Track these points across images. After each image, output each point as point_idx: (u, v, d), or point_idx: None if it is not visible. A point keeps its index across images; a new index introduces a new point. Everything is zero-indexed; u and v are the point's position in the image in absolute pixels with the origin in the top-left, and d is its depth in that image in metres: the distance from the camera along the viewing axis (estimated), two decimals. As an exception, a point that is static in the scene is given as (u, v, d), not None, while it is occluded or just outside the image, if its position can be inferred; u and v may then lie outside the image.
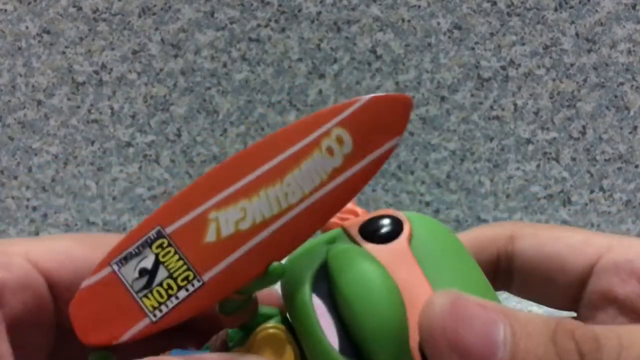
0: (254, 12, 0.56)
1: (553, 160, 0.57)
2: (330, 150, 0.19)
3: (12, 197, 0.59)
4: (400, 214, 0.20)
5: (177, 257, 0.18)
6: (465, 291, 0.18)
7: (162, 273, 0.18)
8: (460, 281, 0.19)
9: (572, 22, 0.56)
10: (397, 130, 0.19)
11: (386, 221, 0.20)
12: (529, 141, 0.57)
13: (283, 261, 0.19)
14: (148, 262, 0.18)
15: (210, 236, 0.18)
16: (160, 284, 0.18)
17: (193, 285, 0.18)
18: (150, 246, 0.18)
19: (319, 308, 0.19)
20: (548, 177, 0.57)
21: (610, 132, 0.56)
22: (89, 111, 0.58)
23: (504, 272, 0.24)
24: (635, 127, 0.56)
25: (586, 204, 0.57)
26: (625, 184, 0.57)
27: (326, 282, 0.19)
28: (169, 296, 0.18)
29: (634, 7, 0.55)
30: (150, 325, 0.18)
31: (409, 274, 0.19)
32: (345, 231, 0.20)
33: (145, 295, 0.18)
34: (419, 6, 0.56)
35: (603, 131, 0.56)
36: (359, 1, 0.56)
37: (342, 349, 0.18)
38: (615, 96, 0.56)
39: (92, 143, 0.58)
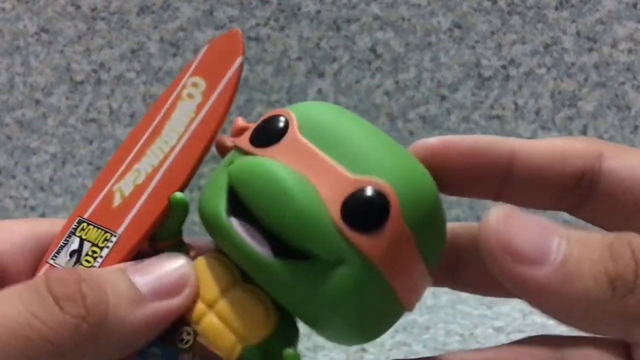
0: (253, 11, 0.56)
1: (554, 160, 0.57)
2: (190, 95, 0.22)
3: (10, 197, 0.59)
4: (284, 110, 0.21)
5: (95, 229, 0.21)
6: (381, 158, 0.19)
7: (86, 246, 0.21)
8: (368, 149, 0.19)
9: (573, 21, 0.55)
10: (236, 54, 0.22)
11: (271, 122, 0.20)
12: (529, 140, 0.56)
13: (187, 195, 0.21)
14: (74, 245, 0.21)
15: (116, 201, 0.21)
16: (87, 254, 0.21)
17: (111, 241, 0.20)
18: (74, 234, 0.21)
19: (242, 227, 0.19)
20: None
21: (611, 131, 0.56)
22: (88, 110, 0.57)
23: (585, 191, 0.22)
24: (636, 127, 0.56)
25: (587, 204, 0.57)
26: (626, 183, 0.57)
27: (238, 201, 0.19)
28: (95, 258, 0.20)
29: (634, 5, 0.55)
30: None
31: (310, 160, 0.19)
32: (238, 148, 0.21)
33: (77, 267, 0.21)
34: (419, 5, 0.55)
35: (604, 130, 0.56)
36: (358, 0, 0.56)
37: (277, 255, 0.18)
38: (616, 95, 0.56)
39: (91, 142, 0.58)
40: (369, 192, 0.18)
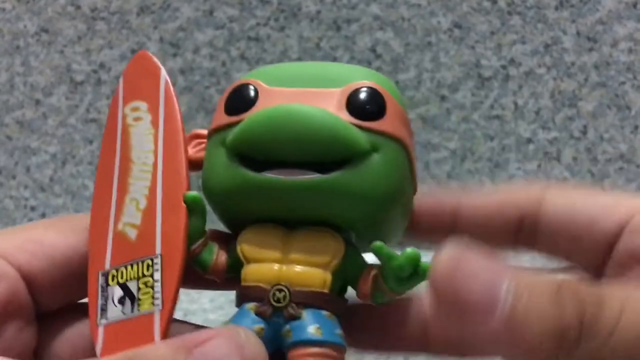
0: (253, 11, 0.56)
1: (554, 160, 0.57)
2: (137, 118, 0.22)
3: (10, 197, 0.59)
4: (244, 79, 0.22)
5: (129, 267, 0.20)
6: (347, 71, 0.22)
7: (133, 285, 0.20)
8: (332, 71, 0.22)
9: (573, 21, 0.55)
10: (156, 69, 0.22)
11: (239, 90, 0.22)
12: (529, 141, 0.56)
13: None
14: (117, 293, 0.20)
15: (131, 234, 0.21)
16: (139, 290, 0.20)
17: (157, 263, 0.20)
18: (107, 286, 0.21)
19: (276, 173, 0.20)
20: (549, 177, 0.57)
21: (612, 131, 0.56)
22: (88, 110, 0.57)
23: (530, 231, 0.23)
24: (636, 127, 0.56)
25: (587, 204, 0.57)
26: (626, 183, 0.57)
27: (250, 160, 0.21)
28: (152, 287, 0.20)
29: (635, 5, 0.55)
30: (162, 312, 0.20)
31: (294, 97, 0.21)
32: (219, 128, 0.22)
33: (138, 305, 0.20)
34: (419, 5, 0.55)
35: (604, 131, 0.56)
36: (358, 0, 0.56)
37: (324, 173, 0.20)
38: (617, 95, 0.56)
39: (91, 142, 0.58)
40: (362, 89, 0.21)
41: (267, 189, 0.20)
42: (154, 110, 0.22)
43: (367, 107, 0.21)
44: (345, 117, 0.20)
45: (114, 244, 0.21)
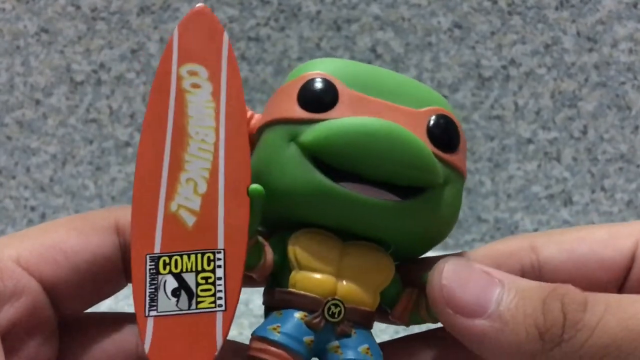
0: (254, 11, 0.56)
1: (554, 160, 0.57)
2: (195, 85, 0.20)
3: (10, 197, 0.59)
4: (316, 73, 0.21)
5: (185, 257, 0.19)
6: (424, 91, 0.21)
7: (190, 278, 0.19)
8: (411, 88, 0.22)
9: (573, 21, 0.55)
10: (217, 31, 0.20)
11: (314, 85, 0.20)
12: (530, 141, 0.56)
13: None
14: (171, 283, 0.19)
15: (188, 220, 0.19)
16: (199, 284, 0.18)
17: (220, 259, 0.18)
18: (157, 274, 0.19)
19: (353, 187, 0.20)
20: (549, 177, 0.57)
21: (612, 131, 0.56)
22: (88, 110, 0.57)
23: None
24: (636, 127, 0.56)
25: (587, 204, 0.57)
26: (626, 183, 0.57)
27: (326, 167, 0.20)
28: (213, 284, 0.18)
29: (635, 5, 0.55)
30: (226, 314, 0.18)
31: (377, 108, 0.21)
32: (288, 120, 0.20)
33: (197, 302, 0.18)
34: (419, 5, 0.55)
35: (604, 131, 0.56)
36: (358, 0, 0.56)
37: (404, 198, 0.20)
38: (617, 95, 0.56)
39: (91, 142, 0.58)
40: (442, 118, 0.21)
41: (342, 202, 0.20)
42: (215, 79, 0.20)
43: (447, 139, 0.21)
44: (428, 144, 0.20)
45: (165, 227, 0.19)
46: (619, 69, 0.56)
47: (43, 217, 0.58)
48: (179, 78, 0.20)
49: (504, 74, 0.56)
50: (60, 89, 0.57)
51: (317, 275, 0.20)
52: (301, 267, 0.20)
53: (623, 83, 0.56)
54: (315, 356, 0.20)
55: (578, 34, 0.55)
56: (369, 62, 0.56)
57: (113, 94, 0.57)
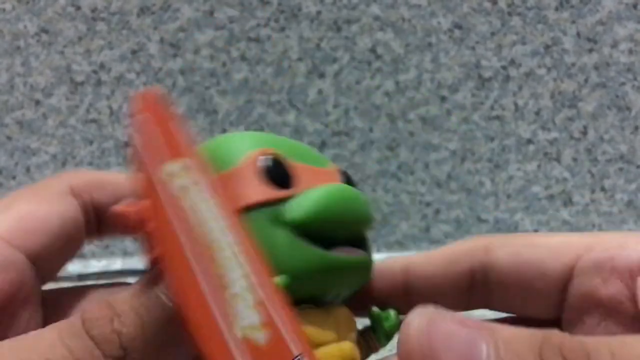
0: (254, 12, 0.56)
1: (554, 161, 0.57)
2: (183, 188, 0.18)
3: (10, 198, 0.59)
4: (263, 150, 0.21)
5: None
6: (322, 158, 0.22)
7: None
8: (305, 150, 0.23)
9: (573, 22, 0.55)
10: (166, 114, 0.18)
11: (272, 164, 0.20)
12: (529, 141, 0.56)
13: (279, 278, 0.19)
14: None
15: (259, 339, 0.17)
16: None
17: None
18: None
19: (339, 251, 0.21)
20: (549, 178, 0.57)
21: (612, 132, 0.56)
22: (88, 111, 0.57)
23: (481, 287, 0.23)
24: (636, 127, 0.56)
25: (587, 205, 0.57)
26: (626, 184, 0.57)
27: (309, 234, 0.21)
28: None
29: (635, 6, 0.55)
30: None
31: (321, 175, 0.22)
32: (261, 204, 0.20)
33: None
34: (419, 5, 0.55)
35: (604, 131, 0.56)
36: (358, 0, 0.56)
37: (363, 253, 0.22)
38: (617, 96, 0.56)
39: (91, 143, 0.58)
40: (344, 173, 0.23)
41: (338, 267, 0.21)
42: (191, 168, 0.18)
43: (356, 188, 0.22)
44: None
45: (244, 356, 0.17)
46: (618, 69, 0.56)
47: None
48: (164, 184, 0.18)
49: (504, 74, 0.56)
50: (61, 90, 0.57)
51: (330, 348, 0.20)
52: (314, 346, 0.20)
53: (623, 84, 0.56)
54: None
55: (578, 34, 0.55)
56: (369, 63, 0.56)
57: (113, 95, 0.57)
